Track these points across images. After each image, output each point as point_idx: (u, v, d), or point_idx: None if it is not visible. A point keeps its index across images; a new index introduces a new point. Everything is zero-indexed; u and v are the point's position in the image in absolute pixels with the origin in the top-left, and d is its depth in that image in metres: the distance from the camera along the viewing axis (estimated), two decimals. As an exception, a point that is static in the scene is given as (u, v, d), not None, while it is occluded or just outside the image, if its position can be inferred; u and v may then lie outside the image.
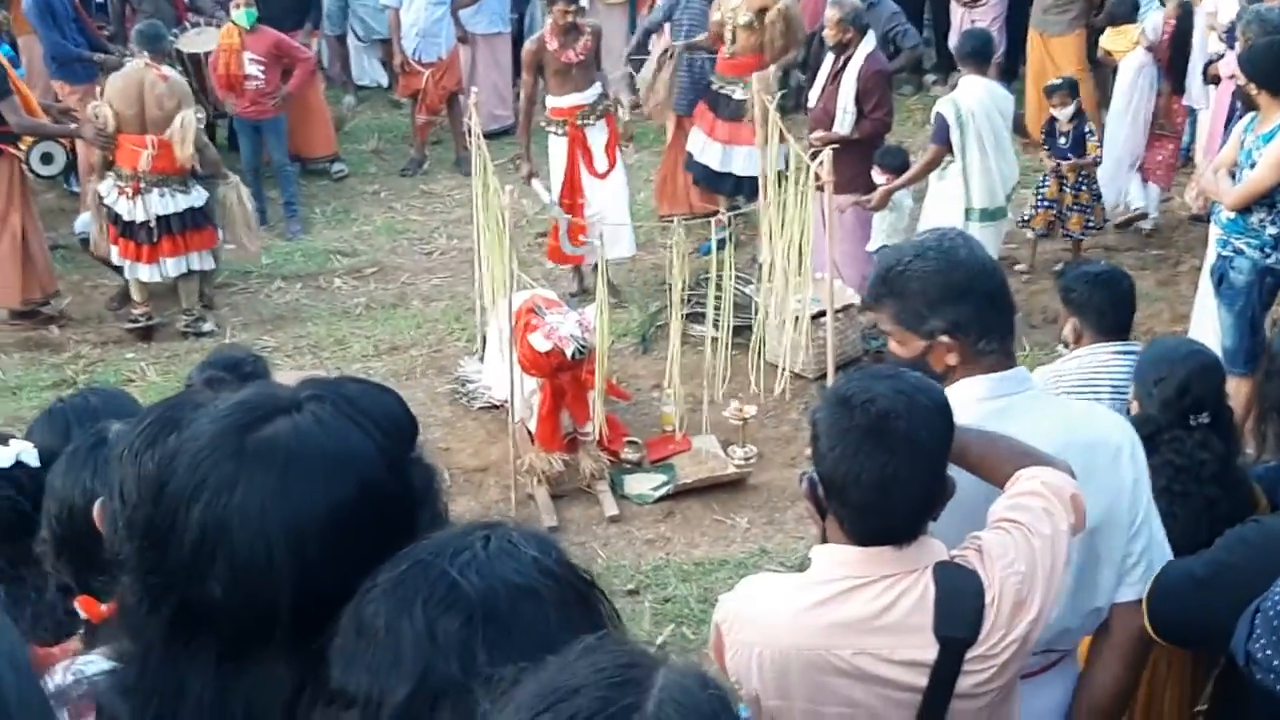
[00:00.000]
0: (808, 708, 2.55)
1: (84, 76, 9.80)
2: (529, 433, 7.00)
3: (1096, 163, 8.89)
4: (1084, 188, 8.91)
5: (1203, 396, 3.97)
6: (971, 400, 2.77)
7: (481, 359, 7.94)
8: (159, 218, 8.29)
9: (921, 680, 2.48)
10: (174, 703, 1.61)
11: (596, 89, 8.66)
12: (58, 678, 1.84)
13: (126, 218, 8.31)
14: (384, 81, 12.96)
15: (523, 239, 8.91)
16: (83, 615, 2.15)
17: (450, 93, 11.11)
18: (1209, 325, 6.88)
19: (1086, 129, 8.92)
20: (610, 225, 8.31)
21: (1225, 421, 4.02)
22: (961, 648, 2.46)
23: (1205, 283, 7.04)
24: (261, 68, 9.75)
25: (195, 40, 10.28)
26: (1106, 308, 5.00)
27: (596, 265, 7.72)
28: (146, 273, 8.46)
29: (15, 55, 9.77)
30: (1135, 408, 4.17)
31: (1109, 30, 10.06)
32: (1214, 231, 6.80)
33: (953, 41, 11.26)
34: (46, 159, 8.51)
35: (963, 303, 2.80)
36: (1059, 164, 8.83)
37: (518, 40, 12.52)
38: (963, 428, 2.60)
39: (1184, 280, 8.80)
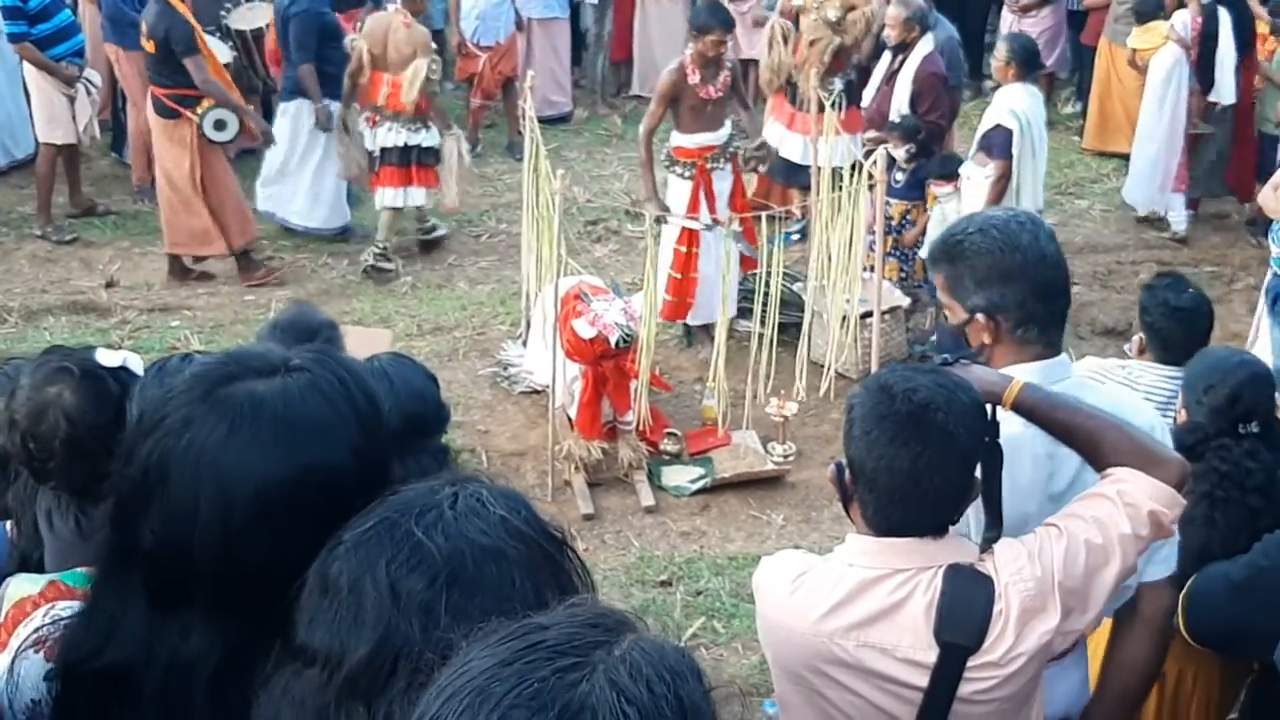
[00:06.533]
0: (812, 691, 2.55)
1: (137, 42, 9.73)
2: (569, 419, 6.98)
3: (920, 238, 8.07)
4: (905, 232, 8.19)
5: (1253, 406, 3.92)
6: None
7: (524, 343, 7.92)
8: (383, 149, 8.91)
9: (921, 680, 2.46)
10: (112, 639, 1.61)
11: (728, 129, 7.84)
12: (37, 621, 1.84)
13: (367, 147, 9.00)
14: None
15: (572, 226, 8.87)
16: None
17: (506, 78, 11.09)
18: (1265, 345, 6.78)
19: (926, 175, 8.09)
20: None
21: (1274, 433, 3.96)
22: (963, 654, 2.44)
23: (1264, 303, 6.95)
24: None
25: (245, 16, 10.20)
26: (1177, 341, 4.84)
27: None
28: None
29: (75, 19, 9.75)
30: (1183, 416, 4.12)
31: (1135, 30, 9.87)
32: (1273, 250, 6.70)
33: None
34: (219, 125, 8.53)
35: (1007, 286, 2.80)
36: (888, 202, 7.96)
37: (573, 25, 12.50)
38: (1074, 405, 2.60)
39: (1237, 299, 8.71)
